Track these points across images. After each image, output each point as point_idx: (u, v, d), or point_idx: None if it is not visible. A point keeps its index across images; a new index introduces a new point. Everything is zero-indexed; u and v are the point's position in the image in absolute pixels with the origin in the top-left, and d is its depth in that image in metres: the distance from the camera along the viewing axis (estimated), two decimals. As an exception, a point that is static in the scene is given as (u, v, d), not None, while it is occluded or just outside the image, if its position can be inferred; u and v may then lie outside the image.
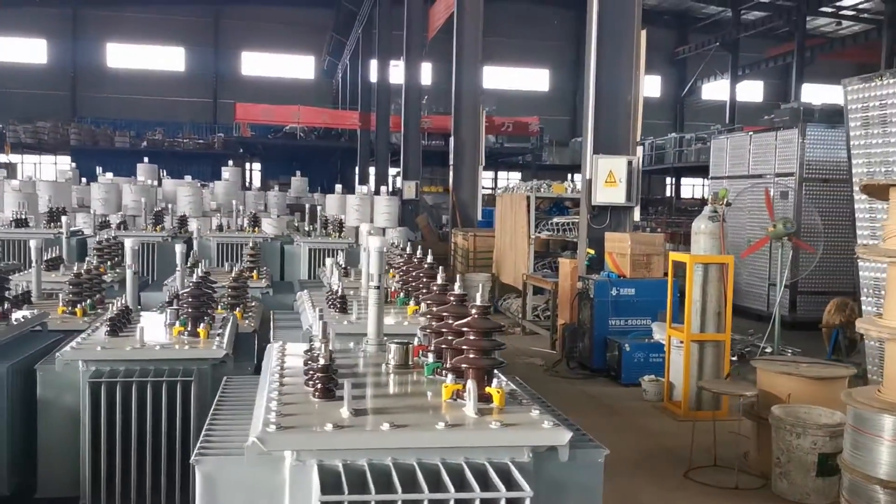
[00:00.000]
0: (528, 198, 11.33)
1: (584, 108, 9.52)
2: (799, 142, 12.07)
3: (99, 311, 5.51)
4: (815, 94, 33.51)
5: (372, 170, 29.46)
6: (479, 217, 15.87)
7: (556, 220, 11.55)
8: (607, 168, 9.18)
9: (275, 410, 2.45)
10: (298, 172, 19.99)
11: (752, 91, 39.60)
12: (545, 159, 35.96)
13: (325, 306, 4.81)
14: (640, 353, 8.42)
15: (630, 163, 9.16)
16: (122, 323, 4.47)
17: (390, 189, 20.52)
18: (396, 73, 25.88)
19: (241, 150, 33.05)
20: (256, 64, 38.46)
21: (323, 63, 38.76)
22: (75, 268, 5.71)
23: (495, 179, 37.09)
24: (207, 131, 36.41)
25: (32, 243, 6.00)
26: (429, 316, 3.30)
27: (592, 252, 9.33)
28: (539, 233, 11.61)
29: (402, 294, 4.90)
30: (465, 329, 2.68)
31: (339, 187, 16.77)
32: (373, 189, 18.51)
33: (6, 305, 4.72)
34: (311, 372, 2.74)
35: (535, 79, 40.32)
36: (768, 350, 9.41)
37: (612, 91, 9.31)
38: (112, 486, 3.96)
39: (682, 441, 6.45)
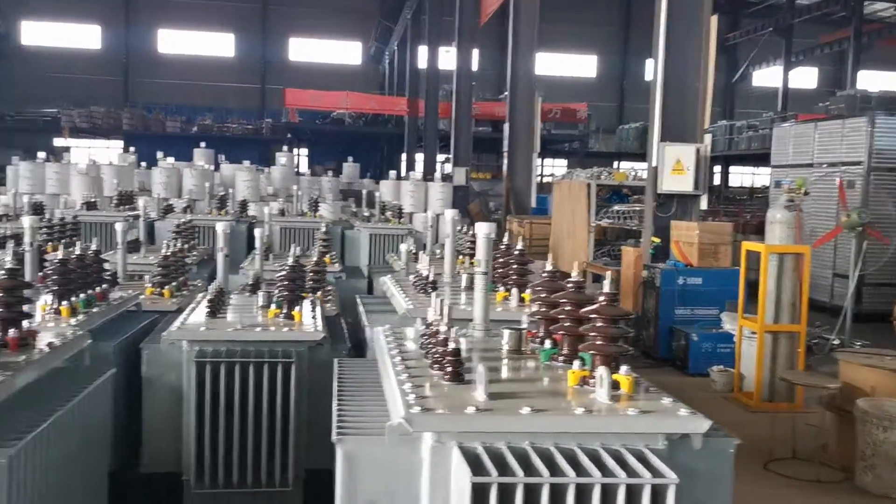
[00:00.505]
0: (589, 185, 11.27)
1: (651, 94, 9.42)
2: (868, 130, 11.80)
3: (184, 292, 5.63)
4: (872, 80, 32.67)
5: (418, 156, 29.52)
6: (533, 204, 15.83)
7: (616, 207, 11.46)
8: (675, 156, 9.08)
9: (413, 393, 2.49)
10: (351, 158, 20.13)
11: (805, 78, 38.75)
12: (592, 146, 35.66)
13: (414, 291, 4.86)
14: (708, 343, 8.34)
15: (698, 150, 9.06)
16: (219, 304, 4.57)
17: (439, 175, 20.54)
18: (444, 59, 25.90)
19: (289, 136, 33.31)
20: (304, 50, 38.72)
21: (370, 49, 38.85)
22: (164, 249, 5.83)
23: (542, 166, 36.89)
24: (255, 117, 36.79)
25: (118, 226, 6.14)
26: (539, 302, 3.32)
27: (658, 241, 9.26)
28: (599, 220, 11.55)
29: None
30: (592, 316, 2.70)
31: (392, 173, 16.82)
32: (419, 175, 18.55)
33: (104, 286, 4.84)
34: (437, 355, 2.78)
35: (582, 65, 39.96)
36: (836, 342, 9.26)
37: (680, 77, 9.19)
38: (215, 463, 4.06)
39: (756, 432, 6.38)
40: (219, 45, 38.16)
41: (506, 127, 15.86)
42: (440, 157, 27.29)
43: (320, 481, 4.23)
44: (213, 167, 17.07)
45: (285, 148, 18.14)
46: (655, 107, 9.21)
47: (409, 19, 29.18)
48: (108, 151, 33.59)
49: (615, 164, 39.39)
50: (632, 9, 38.64)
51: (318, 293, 5.61)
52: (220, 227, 5.23)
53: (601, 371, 2.54)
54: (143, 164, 17.14)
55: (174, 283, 5.64)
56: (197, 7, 37.00)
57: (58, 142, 36.02)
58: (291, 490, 4.11)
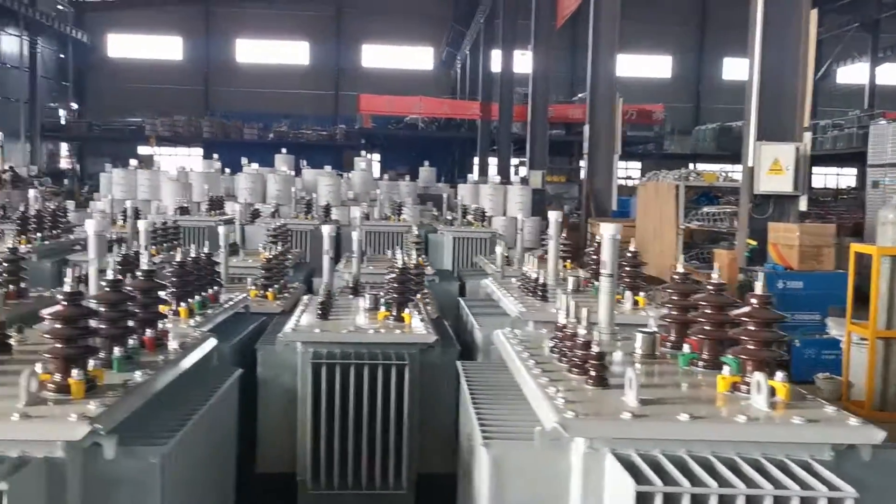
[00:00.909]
0: (678, 187, 11.01)
1: (747, 92, 9.13)
2: (976, 126, 11.20)
3: (286, 295, 5.69)
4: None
5: (491, 160, 29.46)
6: (614, 207, 15.57)
7: (705, 209, 11.16)
8: (772, 155, 8.77)
9: (562, 398, 2.42)
10: (427, 162, 20.21)
11: (893, 74, 37.17)
12: (667, 148, 34.99)
13: (520, 294, 4.79)
14: (812, 350, 8.01)
15: (798, 149, 8.72)
16: (329, 306, 4.59)
17: (511, 179, 20.42)
18: (517, 62, 25.75)
19: (363, 141, 33.68)
20: (376, 56, 39.16)
21: (441, 54, 39.03)
22: (265, 252, 5.91)
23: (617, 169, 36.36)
24: (329, 123, 37.34)
25: (221, 230, 6.26)
26: (670, 305, 3.21)
27: (754, 243, 8.95)
28: (688, 223, 11.26)
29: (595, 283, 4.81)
30: (744, 319, 2.58)
31: (471, 177, 16.78)
32: (496, 179, 18.45)
33: (215, 288, 4.92)
34: (576, 359, 2.70)
35: (656, 66, 39.26)
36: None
37: (778, 74, 8.88)
38: (330, 464, 4.07)
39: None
40: (293, 53, 38.94)
41: (586, 129, 15.64)
42: (513, 161, 27.14)
43: (431, 485, 4.21)
44: (293, 173, 17.37)
45: (364, 153, 18.28)
46: (751, 105, 8.92)
47: (483, 23, 29.18)
48: (190, 159, 34.63)
49: (690, 165, 38.57)
50: (707, 8, 37.81)
51: (418, 296, 5.60)
52: (327, 231, 5.27)
53: (758, 377, 2.42)
54: (227, 170, 17.56)
55: (276, 286, 5.71)
56: (272, 17, 37.82)
57: (142, 150, 37.32)
58: (405, 493, 4.08)
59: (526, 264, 5.48)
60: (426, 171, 20.42)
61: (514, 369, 2.99)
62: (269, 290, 5.62)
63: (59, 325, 2.50)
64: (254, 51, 38.55)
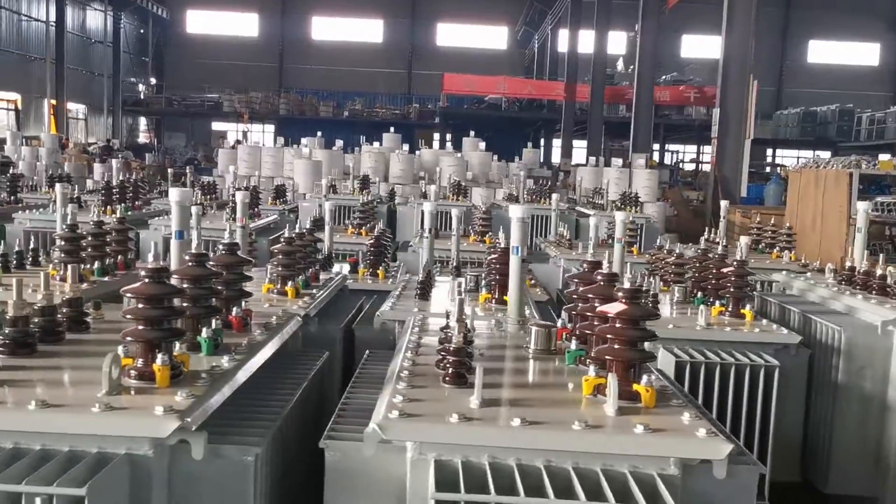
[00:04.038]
0: (851, 174, 10.54)
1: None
2: None
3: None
4: None
5: (576, 142, 29.05)
6: (743, 193, 15.10)
7: (879, 199, 10.69)
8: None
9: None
10: (530, 144, 19.89)
11: None
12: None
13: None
14: None
15: None
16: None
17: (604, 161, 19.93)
18: (597, 43, 25.17)
19: (437, 120, 33.38)
20: (450, 35, 38.80)
21: (517, 33, 38.50)
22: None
23: (698, 153, 35.62)
24: (401, 101, 37.14)
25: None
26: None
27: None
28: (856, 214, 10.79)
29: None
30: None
31: (592, 160, 16.42)
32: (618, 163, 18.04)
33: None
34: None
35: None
36: None
37: None
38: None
39: None
40: (368, 31, 38.76)
41: (715, 112, 15.12)
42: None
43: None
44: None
45: (472, 133, 18.00)
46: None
47: (570, 2, 28.62)
48: (263, 135, 34.73)
49: (768, 151, 37.63)
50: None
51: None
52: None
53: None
54: (309, 148, 17.26)
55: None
56: (348, -6, 37.69)
57: (216, 126, 37.55)
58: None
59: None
60: (530, 153, 20.10)
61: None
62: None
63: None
64: (328, 28, 38.48)
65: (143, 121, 38.42)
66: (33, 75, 28.80)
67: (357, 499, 2.15)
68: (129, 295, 2.26)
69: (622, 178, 15.17)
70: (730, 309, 4.16)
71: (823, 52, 38.18)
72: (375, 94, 37.07)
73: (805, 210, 11.84)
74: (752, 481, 2.10)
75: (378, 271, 5.07)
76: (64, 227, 4.01)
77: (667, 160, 33.68)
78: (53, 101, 28.98)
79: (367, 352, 3.32)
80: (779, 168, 25.98)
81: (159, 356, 2.13)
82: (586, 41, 27.45)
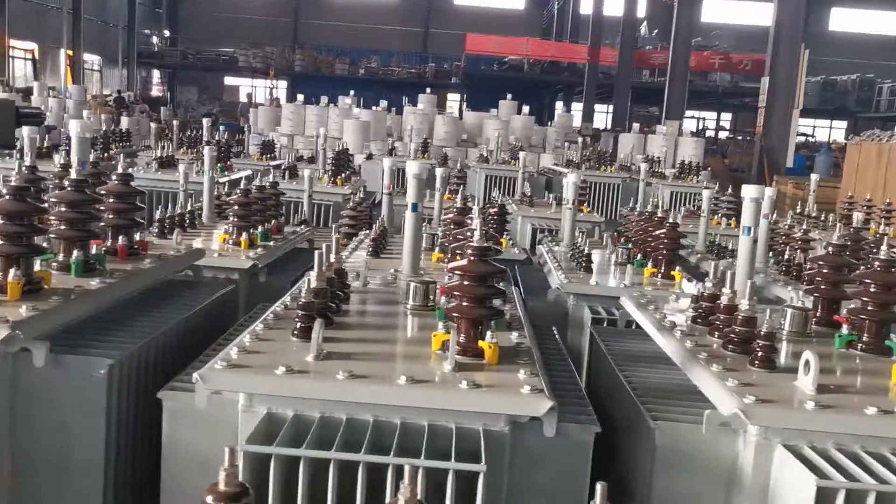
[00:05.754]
0: (919, 148, 10.46)
1: None
2: None
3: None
4: None
5: (599, 107, 28.79)
6: (789, 164, 15.02)
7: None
8: None
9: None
10: (561, 106, 19.64)
11: None
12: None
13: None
14: None
15: None
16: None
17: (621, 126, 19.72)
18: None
19: (453, 80, 32.96)
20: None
21: (536, -7, 37.94)
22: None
23: (718, 120, 35.39)
24: (417, 61, 36.60)
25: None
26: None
27: None
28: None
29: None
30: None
31: (636, 126, 16.26)
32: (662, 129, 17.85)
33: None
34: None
35: (756, 13, 37.80)
36: None
37: None
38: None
39: None
40: (384, -13, 38.06)
41: (764, 81, 14.99)
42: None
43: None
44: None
45: (509, 96, 17.79)
46: None
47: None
48: (276, 91, 34.22)
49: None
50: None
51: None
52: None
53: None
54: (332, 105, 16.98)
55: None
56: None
57: (228, 80, 37.03)
58: None
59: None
60: (563, 118, 19.90)
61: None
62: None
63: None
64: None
65: (156, 73, 37.82)
66: (49, 25, 28.25)
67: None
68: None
69: (668, 144, 15.06)
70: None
71: (845, 19, 37.71)
72: (391, 53, 36.50)
73: (864, 183, 11.78)
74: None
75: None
76: (236, 191, 3.96)
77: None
78: (69, 52, 28.46)
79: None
80: (829, 141, 25.59)
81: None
82: (611, 2, 27.05)
